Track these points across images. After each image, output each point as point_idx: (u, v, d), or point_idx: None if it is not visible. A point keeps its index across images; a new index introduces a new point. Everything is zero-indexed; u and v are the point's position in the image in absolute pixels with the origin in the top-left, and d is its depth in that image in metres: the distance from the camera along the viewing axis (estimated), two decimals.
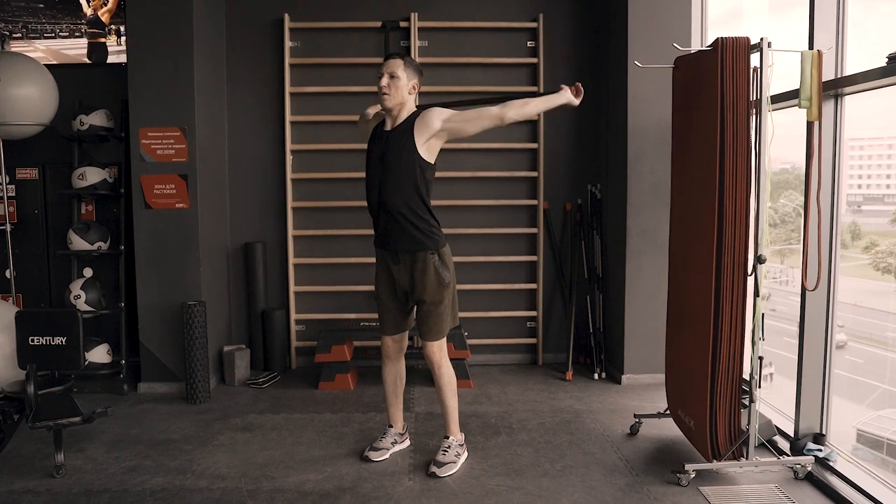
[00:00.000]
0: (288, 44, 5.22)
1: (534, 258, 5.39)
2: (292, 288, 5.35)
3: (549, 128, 5.33)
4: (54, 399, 3.82)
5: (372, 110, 3.65)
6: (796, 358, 3.58)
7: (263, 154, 5.33)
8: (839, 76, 3.39)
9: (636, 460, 3.60)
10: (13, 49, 5.17)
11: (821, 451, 3.45)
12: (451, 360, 3.58)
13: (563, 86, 3.35)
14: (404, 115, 3.37)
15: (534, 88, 5.27)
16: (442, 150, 3.42)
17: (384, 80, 3.31)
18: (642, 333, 4.80)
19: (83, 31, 5.27)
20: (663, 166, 4.40)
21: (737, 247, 3.22)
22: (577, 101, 3.37)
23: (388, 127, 3.40)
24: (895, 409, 4.17)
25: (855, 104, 3.43)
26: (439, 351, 3.48)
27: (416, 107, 3.44)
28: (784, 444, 3.64)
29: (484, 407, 4.43)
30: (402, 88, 3.32)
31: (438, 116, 3.30)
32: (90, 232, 4.81)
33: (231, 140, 5.32)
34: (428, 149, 3.32)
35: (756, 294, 3.25)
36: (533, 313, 5.44)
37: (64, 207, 5.06)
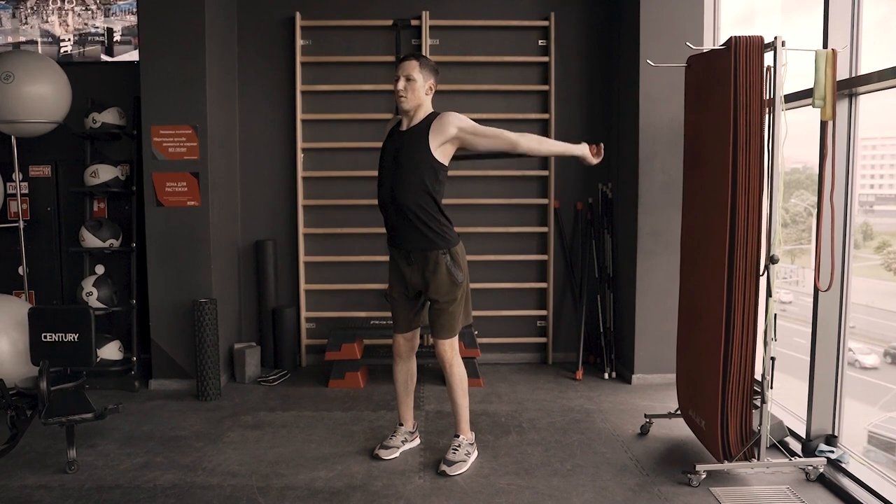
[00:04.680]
0: (299, 42, 5.23)
1: (544, 257, 5.38)
2: (303, 286, 5.36)
3: (560, 127, 5.31)
4: (66, 395, 3.84)
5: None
6: (808, 359, 3.57)
7: (274, 152, 5.35)
8: (853, 75, 3.37)
9: (646, 460, 3.59)
10: None
11: (833, 452, 3.43)
12: (462, 358, 3.58)
13: (584, 143, 3.42)
14: (421, 115, 3.36)
15: (545, 87, 5.27)
16: None
17: (400, 84, 3.31)
18: (653, 333, 4.79)
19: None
20: (675, 165, 4.39)
21: (749, 247, 3.21)
22: (594, 161, 3.45)
23: (404, 127, 3.39)
24: None
25: (866, 103, 3.41)
26: (451, 349, 3.47)
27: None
28: (796, 446, 3.62)
29: (494, 406, 4.43)
30: (419, 90, 3.32)
31: (455, 123, 3.29)
32: (102, 229, 4.83)
33: (242, 138, 5.34)
34: (442, 152, 3.32)
35: (768, 294, 3.23)
36: (543, 312, 5.44)
37: (76, 205, 5.08)
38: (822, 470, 3.29)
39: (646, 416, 3.99)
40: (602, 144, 3.45)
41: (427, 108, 3.39)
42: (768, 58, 3.19)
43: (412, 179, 3.30)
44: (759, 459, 3.29)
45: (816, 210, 3.39)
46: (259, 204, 5.38)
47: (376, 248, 5.27)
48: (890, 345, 4.24)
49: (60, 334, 3.65)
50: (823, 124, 3.24)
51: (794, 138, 3.22)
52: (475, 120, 3.38)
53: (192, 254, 4.72)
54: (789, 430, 3.73)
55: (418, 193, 3.31)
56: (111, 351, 4.77)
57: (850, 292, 3.49)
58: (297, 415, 4.29)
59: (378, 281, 5.18)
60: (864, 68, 3.36)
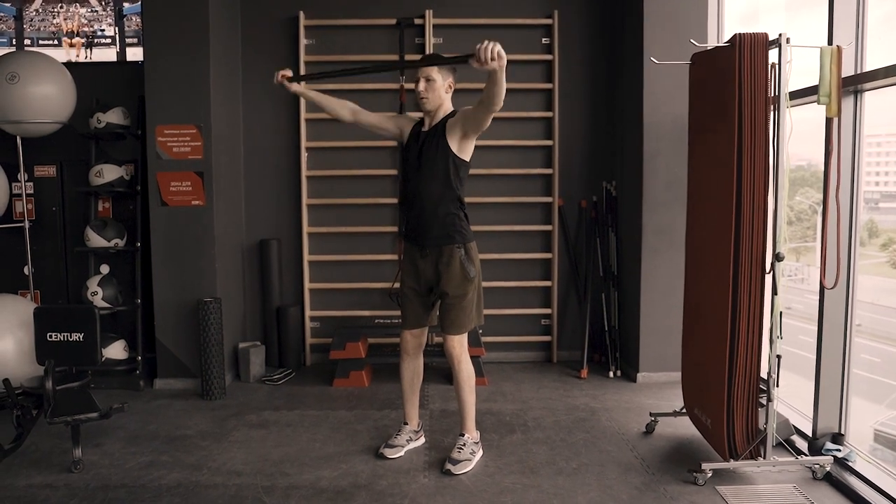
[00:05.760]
0: (303, 41, 5.23)
1: (548, 255, 5.37)
2: (307, 285, 5.36)
3: (564, 125, 5.31)
4: (72, 395, 3.85)
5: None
6: (814, 357, 3.56)
7: (279, 151, 5.35)
8: (859, 72, 3.35)
9: (652, 459, 3.58)
10: None
11: (839, 450, 3.42)
12: None
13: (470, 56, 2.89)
14: (440, 115, 3.41)
15: (549, 86, 5.26)
16: None
17: (421, 85, 3.36)
18: (658, 331, 4.78)
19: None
20: (679, 163, 4.38)
21: (754, 244, 3.20)
22: (478, 65, 2.86)
23: (426, 127, 3.44)
24: None
25: (872, 100, 3.40)
26: (459, 346, 3.49)
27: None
28: (802, 444, 3.60)
29: (499, 405, 4.43)
30: (439, 90, 3.37)
31: (458, 117, 3.33)
32: (107, 229, 4.84)
33: (246, 137, 5.34)
34: (460, 147, 3.36)
35: (774, 292, 3.22)
36: (547, 311, 5.43)
37: (81, 204, 5.09)
38: (828, 468, 3.28)
39: (651, 414, 3.99)
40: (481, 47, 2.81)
41: (447, 107, 3.43)
42: (773, 55, 3.18)
43: (435, 178, 3.36)
44: (765, 458, 3.28)
45: (822, 207, 3.38)
46: (263, 203, 5.38)
47: (381, 246, 5.27)
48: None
49: (65, 334, 3.66)
50: (828, 121, 3.23)
51: (798, 135, 3.21)
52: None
53: (196, 253, 4.72)
54: (795, 428, 3.72)
55: (442, 191, 3.37)
56: (116, 350, 4.78)
57: (856, 290, 3.48)
58: (302, 414, 4.29)
59: (383, 280, 5.17)
60: (870, 65, 3.35)
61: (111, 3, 5.28)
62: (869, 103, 3.40)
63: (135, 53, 5.34)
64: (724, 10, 4.72)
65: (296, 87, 3.54)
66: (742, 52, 3.15)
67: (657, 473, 3.41)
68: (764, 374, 3.32)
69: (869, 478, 3.18)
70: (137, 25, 5.27)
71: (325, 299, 5.43)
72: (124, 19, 5.26)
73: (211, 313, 4.55)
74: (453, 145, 3.34)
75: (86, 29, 5.32)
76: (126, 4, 5.23)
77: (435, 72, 3.35)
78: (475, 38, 5.13)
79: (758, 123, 3.16)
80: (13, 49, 5.31)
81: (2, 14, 5.30)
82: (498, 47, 2.80)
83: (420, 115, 3.53)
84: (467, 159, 3.41)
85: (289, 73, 3.49)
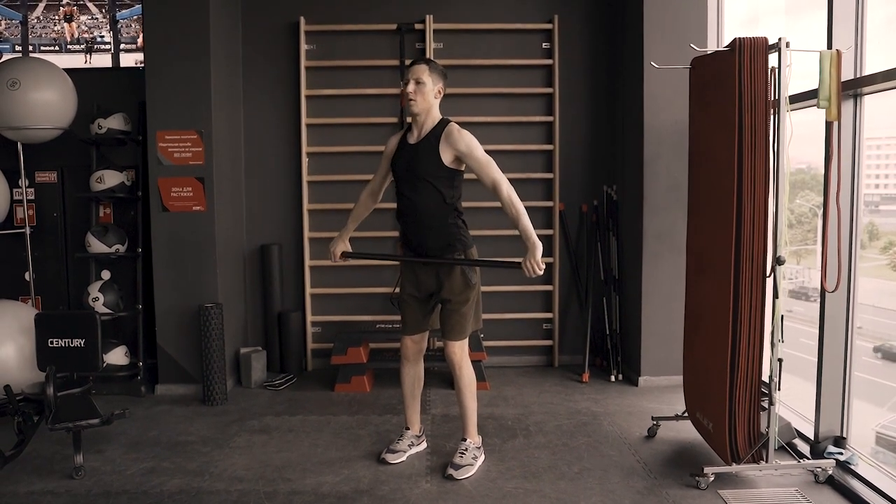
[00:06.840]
0: (304, 47, 5.24)
1: (549, 260, 5.37)
2: (308, 290, 5.36)
3: (564, 129, 5.31)
4: (73, 401, 3.85)
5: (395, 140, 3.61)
6: (816, 361, 3.55)
7: (279, 156, 5.35)
8: (858, 76, 3.36)
9: (654, 463, 3.58)
10: None
11: (842, 454, 3.42)
12: None
13: (529, 261, 3.36)
14: (429, 124, 3.37)
15: (549, 90, 5.27)
16: None
17: (410, 87, 3.33)
18: (659, 335, 4.78)
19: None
20: (680, 167, 4.39)
21: (755, 248, 3.20)
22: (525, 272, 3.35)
23: (414, 139, 3.40)
24: None
25: (871, 103, 3.40)
26: (461, 351, 3.48)
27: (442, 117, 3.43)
28: (804, 448, 3.60)
29: (500, 409, 4.43)
30: (428, 94, 3.33)
31: (461, 146, 3.30)
32: (108, 235, 4.84)
33: (247, 143, 5.35)
34: (454, 162, 3.35)
35: (774, 295, 3.22)
36: (549, 315, 5.43)
37: (82, 210, 5.09)
38: (830, 472, 3.28)
39: (653, 418, 3.98)
40: (531, 264, 3.34)
41: (435, 115, 3.39)
42: (773, 59, 3.18)
43: (430, 191, 3.34)
44: (767, 461, 3.27)
45: (822, 210, 3.38)
46: (264, 208, 5.38)
47: (382, 251, 5.26)
48: (886, 342, 4.21)
49: (67, 340, 3.66)
50: (828, 125, 3.23)
51: (799, 139, 3.22)
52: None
53: (197, 258, 4.73)
54: (797, 431, 3.72)
55: (438, 203, 3.36)
56: (117, 356, 4.77)
57: (857, 293, 3.48)
58: (304, 419, 4.29)
59: (384, 284, 5.17)
60: (869, 69, 3.35)
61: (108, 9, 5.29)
62: (869, 106, 3.41)
63: (136, 59, 5.34)
64: (724, 14, 4.73)
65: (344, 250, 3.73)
66: (742, 56, 3.15)
67: (659, 477, 3.40)
68: (765, 378, 3.32)
69: (871, 481, 3.18)
70: (136, 32, 5.28)
71: (327, 304, 5.43)
72: (118, 24, 5.27)
73: (212, 319, 4.55)
74: (446, 159, 3.32)
75: (86, 35, 5.33)
76: (124, 10, 5.24)
77: (426, 75, 3.33)
78: (476, 42, 5.23)
79: (758, 127, 3.16)
80: (18, 55, 5.30)
81: (6, 19, 5.31)
82: (538, 260, 3.36)
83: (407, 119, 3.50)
84: (462, 169, 3.39)
85: (344, 249, 3.73)
